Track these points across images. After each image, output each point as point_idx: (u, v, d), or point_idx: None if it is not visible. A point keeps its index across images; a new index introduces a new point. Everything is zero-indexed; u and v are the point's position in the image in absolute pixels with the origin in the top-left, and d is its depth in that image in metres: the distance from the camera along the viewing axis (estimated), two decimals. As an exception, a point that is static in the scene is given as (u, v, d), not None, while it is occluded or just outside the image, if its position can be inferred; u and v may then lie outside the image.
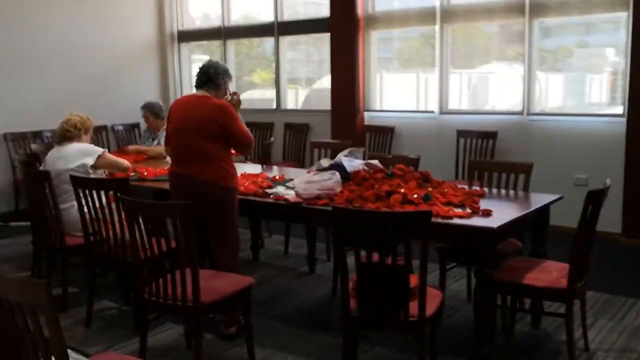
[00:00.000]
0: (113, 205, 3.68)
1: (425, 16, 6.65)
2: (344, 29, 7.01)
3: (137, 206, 3.03)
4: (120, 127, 8.21)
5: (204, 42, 8.81)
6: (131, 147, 6.08)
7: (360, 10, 6.99)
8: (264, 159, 5.80)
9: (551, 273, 3.31)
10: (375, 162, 4.16)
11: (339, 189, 3.75)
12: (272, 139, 7.55)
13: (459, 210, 3.34)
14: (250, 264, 5.20)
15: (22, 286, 1.81)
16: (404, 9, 6.87)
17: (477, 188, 3.98)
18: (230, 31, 8.33)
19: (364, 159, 4.30)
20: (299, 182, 3.82)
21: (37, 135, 7.26)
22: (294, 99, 8.20)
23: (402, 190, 3.57)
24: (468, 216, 3.26)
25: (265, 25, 7.95)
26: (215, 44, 8.56)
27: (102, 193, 3.71)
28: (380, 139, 7.03)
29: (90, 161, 4.19)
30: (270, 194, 3.87)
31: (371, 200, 3.52)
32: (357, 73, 7.06)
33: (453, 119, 6.60)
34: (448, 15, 6.51)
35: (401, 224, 2.71)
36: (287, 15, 7.83)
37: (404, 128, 6.94)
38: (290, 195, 3.78)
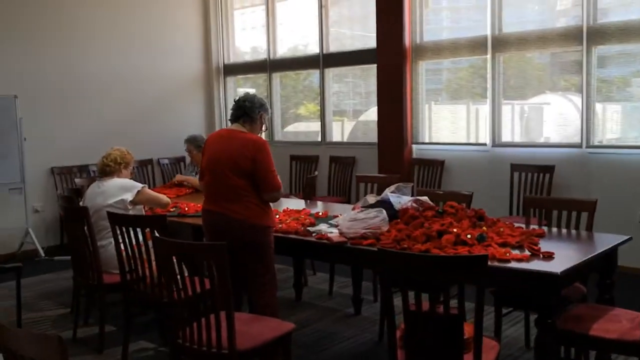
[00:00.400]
0: (150, 243, 3.55)
1: (476, 45, 6.43)
2: (391, 60, 6.85)
3: (170, 245, 2.87)
4: (166, 161, 8.19)
5: (250, 75, 8.78)
6: (178, 176, 6.03)
7: (408, 41, 6.82)
8: (308, 194, 5.62)
9: (622, 323, 2.99)
10: (425, 198, 3.92)
11: (385, 228, 3.53)
12: (316, 172, 7.39)
13: (516, 253, 3.07)
14: (293, 303, 4.99)
15: (36, 341, 1.66)
16: (453, 39, 6.66)
17: (536, 227, 3.69)
18: (276, 64, 8.28)
19: (412, 195, 4.06)
20: (343, 220, 3.61)
21: (83, 169, 7.29)
22: (340, 131, 8.04)
23: (455, 230, 3.32)
24: (527, 259, 2.98)
25: (311, 58, 7.86)
26: (262, 76, 8.51)
27: (139, 230, 3.59)
28: (429, 173, 6.78)
29: (129, 197, 4.10)
30: (313, 233, 3.68)
31: (421, 241, 3.27)
32: (404, 104, 6.85)
33: (506, 152, 6.30)
34: (500, 44, 6.27)
35: (454, 269, 2.47)
36: (334, 47, 7.72)
37: (454, 161, 6.67)
38: (333, 234, 3.58)
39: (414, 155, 7.00)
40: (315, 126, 8.01)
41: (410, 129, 6.97)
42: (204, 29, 8.67)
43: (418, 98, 6.94)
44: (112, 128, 7.52)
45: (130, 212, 4.05)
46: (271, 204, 3.59)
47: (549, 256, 3.02)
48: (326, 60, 7.71)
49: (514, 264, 2.92)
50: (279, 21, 8.28)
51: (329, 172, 7.56)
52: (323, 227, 3.78)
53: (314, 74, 7.96)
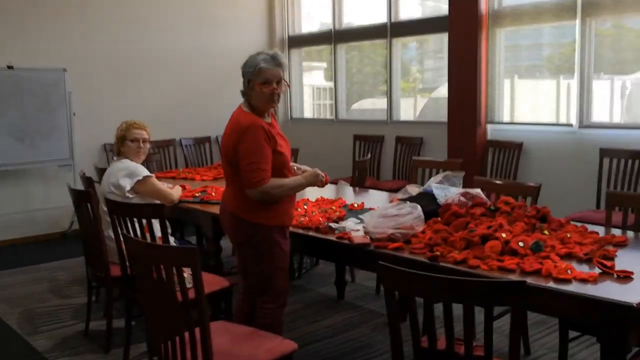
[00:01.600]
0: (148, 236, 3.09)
1: (563, 9, 5.50)
2: (464, 28, 6.04)
3: (140, 246, 2.37)
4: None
5: (315, 47, 8.19)
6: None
7: (484, 6, 5.98)
8: (358, 180, 4.99)
9: None
10: (477, 191, 3.21)
11: (420, 228, 2.87)
12: (368, 155, 6.72)
13: (582, 270, 2.34)
14: (334, 303, 4.43)
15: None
16: (536, 3, 5.74)
17: (618, 233, 2.92)
18: (341, 34, 7.63)
19: (464, 186, 3.37)
20: (371, 216, 2.99)
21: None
22: (411, 109, 7.32)
23: (504, 235, 2.62)
24: (595, 280, 2.25)
25: (378, 27, 7.15)
26: (326, 48, 7.90)
27: (136, 220, 3.13)
28: (504, 157, 5.95)
29: (128, 184, 3.63)
30: (336, 230, 3.07)
31: (459, 248, 2.60)
32: (478, 79, 6.04)
33: (596, 135, 5.38)
34: (591, 6, 5.31)
35: (476, 295, 1.81)
36: (403, 15, 6.98)
37: (534, 144, 5.81)
38: (359, 232, 2.97)
39: (489, 137, 6.19)
40: (381, 103, 7.33)
41: (485, 106, 6.15)
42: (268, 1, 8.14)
43: (494, 72, 6.10)
44: (167, 105, 7.22)
45: (133, 201, 3.60)
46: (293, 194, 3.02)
47: (626, 276, 2.28)
48: (394, 30, 6.98)
49: (574, 286, 2.21)
50: (346, -12, 7.62)
51: (394, 153, 6.89)
52: (350, 223, 3.17)
53: (381, 44, 7.25)
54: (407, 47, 7.18)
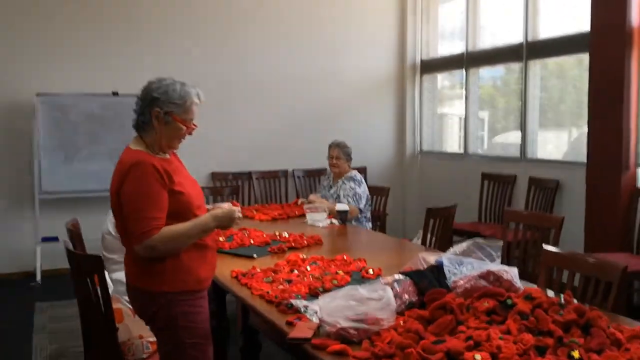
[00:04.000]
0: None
1: None
2: (609, 48, 4.80)
3: None
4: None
5: (447, 73, 7.29)
6: (312, 196, 4.98)
7: (637, 17, 4.70)
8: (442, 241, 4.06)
9: None
10: (511, 272, 2.24)
11: (387, 323, 2.01)
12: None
13: None
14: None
15: None
16: None
17: None
18: (474, 57, 6.65)
19: (498, 260, 2.40)
20: (331, 299, 2.18)
21: (242, 176, 6.73)
22: (552, 144, 6.11)
23: (496, 350, 1.68)
24: None
25: (513, 48, 6.07)
26: (458, 73, 6.97)
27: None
28: (657, 211, 4.57)
29: (111, 226, 3.20)
30: (299, 309, 2.30)
31: (414, 364, 1.72)
32: (626, 110, 4.74)
33: None
34: None
35: None
36: (543, 34, 5.84)
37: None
38: (313, 319, 2.18)
39: None
40: (515, 137, 6.20)
41: (635, 145, 4.82)
42: (400, 20, 7.40)
43: (648, 101, 4.75)
44: (278, 133, 6.83)
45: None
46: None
47: None
48: (531, 51, 5.86)
49: None
50: (481, 8, 6.63)
51: (527, 197, 5.74)
52: (321, 301, 2.37)
53: (515, 68, 6.16)
54: (546, 68, 5.99)
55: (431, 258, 2.46)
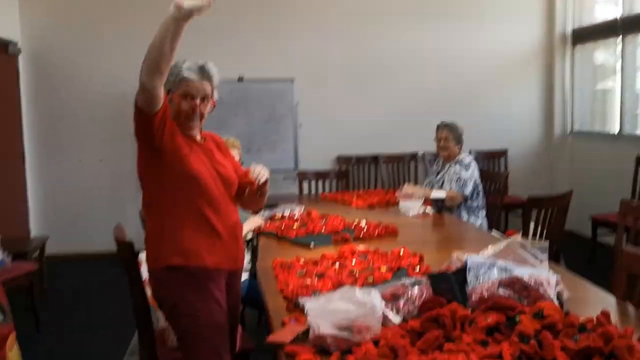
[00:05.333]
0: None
1: None
2: None
3: None
4: (479, 155, 6.67)
5: (602, 42, 6.37)
6: (407, 187, 4.63)
7: None
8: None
9: None
10: (550, 281, 1.82)
11: (370, 333, 1.74)
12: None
13: None
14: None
15: None
16: None
17: None
18: (631, 23, 5.73)
19: (548, 266, 1.97)
20: (328, 300, 1.94)
21: (369, 159, 6.53)
22: None
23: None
24: None
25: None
26: (613, 42, 6.07)
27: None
28: None
29: None
30: (299, 306, 2.09)
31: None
32: None
33: None
34: None
35: None
36: None
37: None
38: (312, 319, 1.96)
39: None
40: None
41: None
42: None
43: None
44: (408, 115, 6.47)
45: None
46: None
47: None
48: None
49: None
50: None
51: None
52: (314, 302, 2.11)
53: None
54: None
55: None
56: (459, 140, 4.48)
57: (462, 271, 2.00)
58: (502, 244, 2.08)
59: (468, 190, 4.20)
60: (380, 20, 6.45)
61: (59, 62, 6.10)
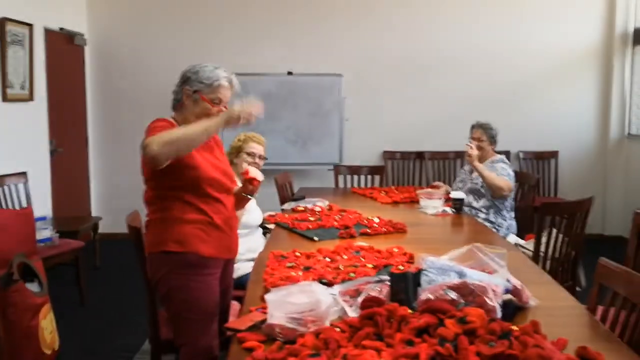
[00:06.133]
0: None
1: None
2: None
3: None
4: (528, 156, 6.56)
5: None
6: (437, 183, 4.64)
7: None
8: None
9: None
10: (498, 289, 1.88)
11: (314, 325, 1.86)
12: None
13: None
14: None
15: None
16: None
17: None
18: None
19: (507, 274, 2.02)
20: (284, 295, 2.06)
21: (414, 155, 6.56)
22: None
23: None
24: None
25: None
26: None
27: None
28: None
29: None
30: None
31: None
32: None
33: None
34: None
35: None
36: None
37: None
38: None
39: None
40: None
41: None
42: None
43: None
44: (455, 113, 6.42)
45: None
46: None
47: None
48: None
49: None
50: None
51: None
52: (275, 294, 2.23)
53: None
54: None
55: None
56: (492, 141, 4.46)
57: (419, 273, 2.09)
58: (464, 249, 2.14)
59: (513, 183, 4.20)
60: (431, 16, 6.45)
61: (122, 53, 6.49)
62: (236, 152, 3.58)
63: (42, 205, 5.27)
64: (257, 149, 3.62)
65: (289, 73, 6.37)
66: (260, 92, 6.27)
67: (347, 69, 6.35)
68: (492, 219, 4.22)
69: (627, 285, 2.01)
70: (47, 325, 3.51)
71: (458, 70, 6.48)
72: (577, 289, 3.62)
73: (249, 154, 3.59)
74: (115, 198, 6.48)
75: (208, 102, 2.41)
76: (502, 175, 4.21)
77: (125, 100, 6.52)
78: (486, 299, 1.83)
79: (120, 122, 6.53)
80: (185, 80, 2.45)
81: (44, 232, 4.31)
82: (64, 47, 5.94)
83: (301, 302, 1.92)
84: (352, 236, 3.25)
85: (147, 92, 6.42)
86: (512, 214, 4.35)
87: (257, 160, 3.60)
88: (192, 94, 2.43)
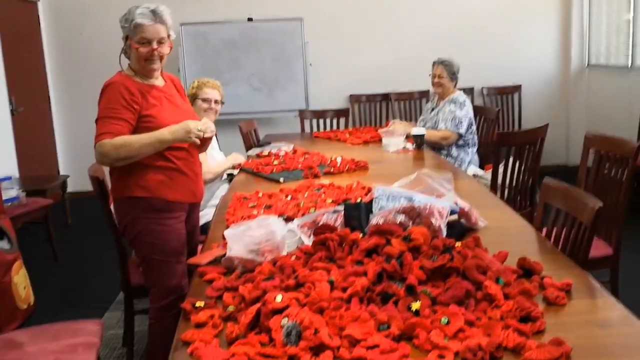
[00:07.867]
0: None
1: None
2: None
3: None
4: (491, 91, 6.64)
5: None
6: (395, 123, 4.66)
7: None
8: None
9: None
10: (444, 211, 1.97)
11: (270, 254, 1.94)
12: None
13: None
14: None
15: None
16: None
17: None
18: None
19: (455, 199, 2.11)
20: (243, 230, 2.13)
21: (381, 97, 6.59)
22: None
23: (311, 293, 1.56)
24: None
25: None
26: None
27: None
28: None
29: None
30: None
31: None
32: None
33: None
34: None
35: None
36: None
37: None
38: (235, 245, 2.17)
39: None
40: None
41: None
42: None
43: None
44: (420, 52, 6.36)
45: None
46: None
47: None
48: None
49: None
50: None
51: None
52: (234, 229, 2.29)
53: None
54: None
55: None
56: (453, 77, 4.50)
57: (371, 201, 2.17)
58: (413, 176, 2.22)
59: (463, 129, 4.26)
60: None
61: (76, 6, 6.33)
62: (191, 99, 3.56)
63: (6, 165, 5.25)
64: (212, 94, 3.60)
65: (249, 19, 6.30)
66: (221, 40, 6.33)
67: (309, 13, 6.30)
68: (454, 154, 4.32)
69: (566, 200, 2.11)
70: (21, 280, 3.57)
71: (421, 10, 6.47)
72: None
73: (204, 100, 3.57)
74: (82, 156, 6.39)
75: (134, 46, 2.39)
76: (447, 119, 4.27)
77: (84, 54, 6.40)
78: (432, 220, 1.92)
79: (81, 77, 6.42)
80: (124, 23, 2.43)
81: (10, 192, 4.31)
82: (17, 4, 5.80)
83: (259, 234, 1.99)
84: (316, 176, 3.31)
85: (105, 43, 6.17)
86: (475, 149, 4.44)
87: (213, 105, 3.59)
88: (125, 41, 2.43)
